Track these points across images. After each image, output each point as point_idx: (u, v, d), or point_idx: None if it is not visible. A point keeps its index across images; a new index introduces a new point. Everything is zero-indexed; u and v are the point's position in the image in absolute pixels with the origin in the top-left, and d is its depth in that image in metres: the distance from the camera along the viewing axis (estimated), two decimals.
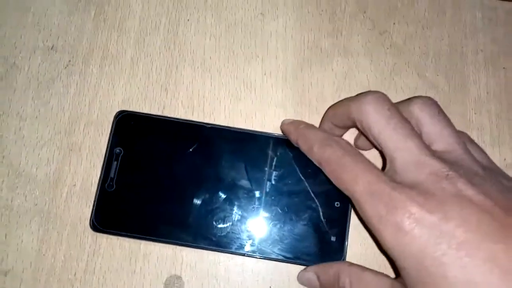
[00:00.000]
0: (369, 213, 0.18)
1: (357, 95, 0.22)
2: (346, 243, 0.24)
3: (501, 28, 0.29)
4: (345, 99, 0.23)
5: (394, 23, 0.29)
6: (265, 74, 0.27)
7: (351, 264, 0.22)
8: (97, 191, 0.24)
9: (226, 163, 0.24)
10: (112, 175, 0.24)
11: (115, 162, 0.24)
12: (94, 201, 0.24)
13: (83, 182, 0.25)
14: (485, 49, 0.29)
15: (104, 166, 0.25)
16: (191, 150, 0.24)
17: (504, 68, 0.28)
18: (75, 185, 0.25)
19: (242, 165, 0.24)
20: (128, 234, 0.24)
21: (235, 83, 0.27)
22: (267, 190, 0.24)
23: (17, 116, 0.26)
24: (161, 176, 0.24)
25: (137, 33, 0.28)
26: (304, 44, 0.28)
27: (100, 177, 0.25)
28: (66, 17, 0.28)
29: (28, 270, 0.24)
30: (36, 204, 0.25)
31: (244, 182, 0.24)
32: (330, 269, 0.22)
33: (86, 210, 0.25)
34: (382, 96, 0.20)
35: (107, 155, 0.25)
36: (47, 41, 0.28)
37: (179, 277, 0.24)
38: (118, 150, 0.25)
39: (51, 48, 0.28)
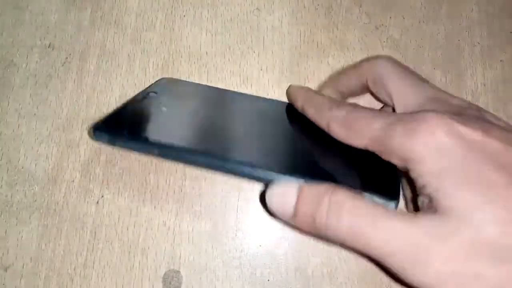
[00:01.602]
0: (394, 132, 0.16)
1: (364, 60, 0.23)
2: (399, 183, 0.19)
3: (497, 21, 0.29)
4: (350, 65, 0.25)
5: (390, 17, 0.29)
6: (261, 69, 0.28)
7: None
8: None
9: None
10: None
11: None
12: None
13: (82, 177, 0.26)
14: (481, 42, 0.29)
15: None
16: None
17: (501, 60, 0.28)
18: (73, 181, 0.26)
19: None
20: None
21: (231, 78, 0.27)
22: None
23: (15, 113, 0.27)
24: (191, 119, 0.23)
25: (133, 30, 0.28)
26: (300, 39, 0.28)
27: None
28: (62, 14, 0.28)
29: (28, 265, 0.24)
30: (35, 200, 0.25)
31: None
32: (315, 188, 0.17)
33: (85, 205, 0.25)
34: (392, 58, 0.22)
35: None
36: (44, 38, 0.28)
37: (177, 272, 0.24)
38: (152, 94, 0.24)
39: (48, 46, 0.28)
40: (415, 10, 0.29)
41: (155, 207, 0.25)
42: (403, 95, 0.20)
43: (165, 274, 0.24)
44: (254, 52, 0.28)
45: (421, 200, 0.17)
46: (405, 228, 0.15)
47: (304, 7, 0.28)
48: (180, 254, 0.25)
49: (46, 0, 0.29)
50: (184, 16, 0.28)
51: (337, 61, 0.28)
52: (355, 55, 0.28)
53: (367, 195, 0.17)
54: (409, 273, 0.15)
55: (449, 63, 0.28)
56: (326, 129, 0.20)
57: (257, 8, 0.28)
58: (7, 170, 0.26)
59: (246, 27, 0.28)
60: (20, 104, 0.27)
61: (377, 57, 0.22)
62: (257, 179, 0.19)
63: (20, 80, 0.27)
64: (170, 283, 0.24)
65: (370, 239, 0.16)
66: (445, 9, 0.29)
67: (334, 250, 0.25)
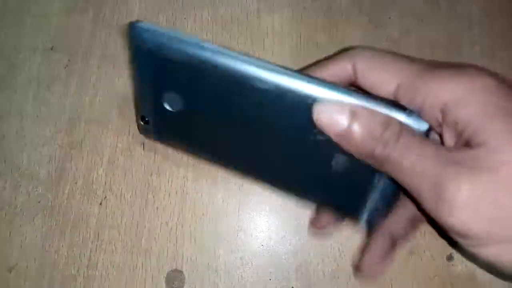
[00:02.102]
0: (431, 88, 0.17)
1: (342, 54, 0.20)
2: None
3: (496, 20, 0.29)
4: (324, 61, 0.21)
5: (390, 17, 0.29)
6: None
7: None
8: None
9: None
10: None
11: None
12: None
13: (85, 179, 0.26)
14: (481, 42, 0.29)
15: None
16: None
17: (500, 60, 0.29)
18: (76, 182, 0.26)
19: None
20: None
21: None
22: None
23: (18, 115, 0.27)
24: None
25: None
26: (300, 39, 0.28)
27: None
28: (64, 17, 0.29)
29: (32, 266, 0.25)
30: (39, 202, 0.26)
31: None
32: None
33: (88, 206, 0.25)
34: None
35: None
36: (46, 41, 0.28)
37: (180, 271, 0.25)
38: None
39: (51, 49, 0.28)
40: (414, 10, 0.29)
41: (157, 208, 0.25)
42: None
43: (168, 274, 0.25)
44: (255, 53, 0.28)
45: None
46: (440, 159, 0.16)
47: (304, 8, 0.29)
48: (183, 254, 0.25)
49: (48, 3, 0.29)
50: (185, 18, 0.28)
51: None
52: None
53: (408, 111, 0.18)
54: (436, 203, 0.16)
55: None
56: (350, 70, 0.19)
57: (257, 10, 0.29)
58: (11, 172, 0.26)
59: (246, 28, 0.28)
60: (23, 107, 0.27)
61: (357, 49, 0.19)
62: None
63: (23, 82, 0.27)
64: (173, 283, 0.24)
65: (403, 166, 0.16)
66: (445, 9, 0.29)
67: (335, 250, 0.25)
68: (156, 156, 0.26)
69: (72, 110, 0.27)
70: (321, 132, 0.18)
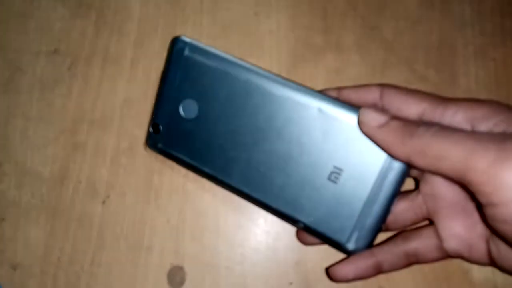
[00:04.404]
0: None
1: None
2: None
3: (489, 20, 0.30)
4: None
5: (384, 19, 0.29)
6: None
7: None
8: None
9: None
10: None
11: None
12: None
13: (88, 179, 0.27)
14: (474, 42, 0.29)
15: None
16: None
17: (493, 59, 0.29)
18: (80, 182, 0.26)
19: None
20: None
21: None
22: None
23: (22, 117, 0.28)
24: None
25: (136, 36, 0.29)
26: (297, 42, 0.29)
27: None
28: (67, 21, 0.29)
29: (37, 264, 0.25)
30: (42, 201, 0.26)
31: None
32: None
33: (91, 205, 0.26)
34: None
35: None
36: (49, 44, 0.29)
37: (181, 268, 0.25)
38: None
39: (54, 52, 0.29)
40: (408, 11, 0.30)
41: (159, 206, 0.26)
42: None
43: (169, 270, 0.25)
44: (253, 55, 0.29)
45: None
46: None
47: (301, 11, 0.29)
48: (184, 250, 0.25)
49: (51, 7, 0.30)
50: (185, 22, 0.29)
51: (333, 63, 0.29)
52: (350, 56, 0.29)
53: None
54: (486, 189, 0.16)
55: (442, 63, 0.29)
56: (377, 94, 0.22)
57: (255, 13, 0.29)
58: (15, 172, 0.27)
59: (244, 31, 0.29)
60: (27, 108, 0.28)
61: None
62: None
63: (27, 85, 0.28)
64: (174, 279, 0.25)
65: (450, 155, 0.17)
66: (438, 9, 0.30)
67: None
68: (157, 156, 0.27)
69: (75, 112, 0.28)
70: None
